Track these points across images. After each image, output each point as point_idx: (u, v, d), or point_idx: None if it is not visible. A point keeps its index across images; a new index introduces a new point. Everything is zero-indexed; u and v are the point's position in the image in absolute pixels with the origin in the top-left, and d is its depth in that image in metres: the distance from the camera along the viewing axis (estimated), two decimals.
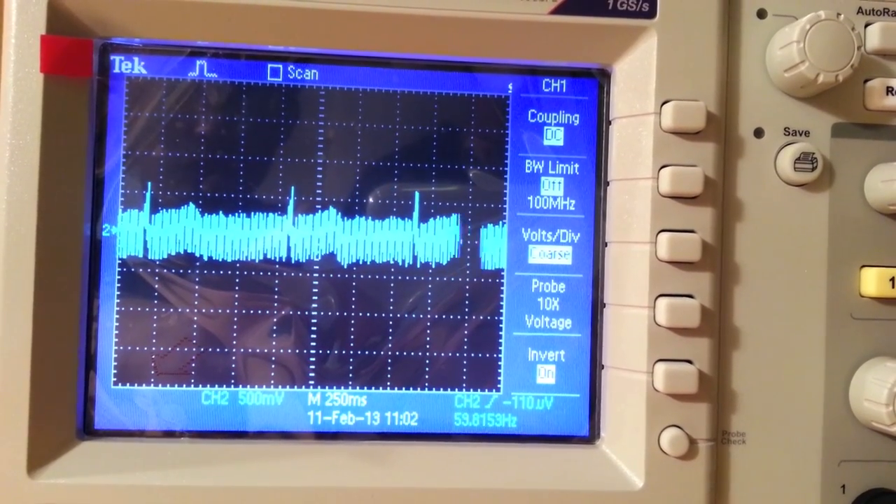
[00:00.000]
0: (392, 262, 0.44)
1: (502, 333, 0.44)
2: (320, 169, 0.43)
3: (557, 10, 0.41)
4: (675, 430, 0.41)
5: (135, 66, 0.43)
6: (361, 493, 0.41)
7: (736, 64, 0.42)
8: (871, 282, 0.42)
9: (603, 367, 0.44)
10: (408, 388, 0.44)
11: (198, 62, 0.43)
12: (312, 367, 0.43)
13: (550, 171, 0.44)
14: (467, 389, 0.44)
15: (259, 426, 0.43)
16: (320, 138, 0.43)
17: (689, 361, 0.41)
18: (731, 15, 0.42)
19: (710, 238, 0.41)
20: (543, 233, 0.44)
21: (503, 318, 0.44)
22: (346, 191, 0.43)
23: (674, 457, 0.41)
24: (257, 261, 0.43)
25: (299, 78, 0.43)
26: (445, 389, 0.44)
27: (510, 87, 0.44)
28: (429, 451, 0.43)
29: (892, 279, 0.42)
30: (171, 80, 0.43)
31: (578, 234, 0.44)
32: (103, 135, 0.42)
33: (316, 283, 0.43)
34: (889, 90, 0.42)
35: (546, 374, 0.44)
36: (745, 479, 0.42)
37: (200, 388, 0.43)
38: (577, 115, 0.44)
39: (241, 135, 0.43)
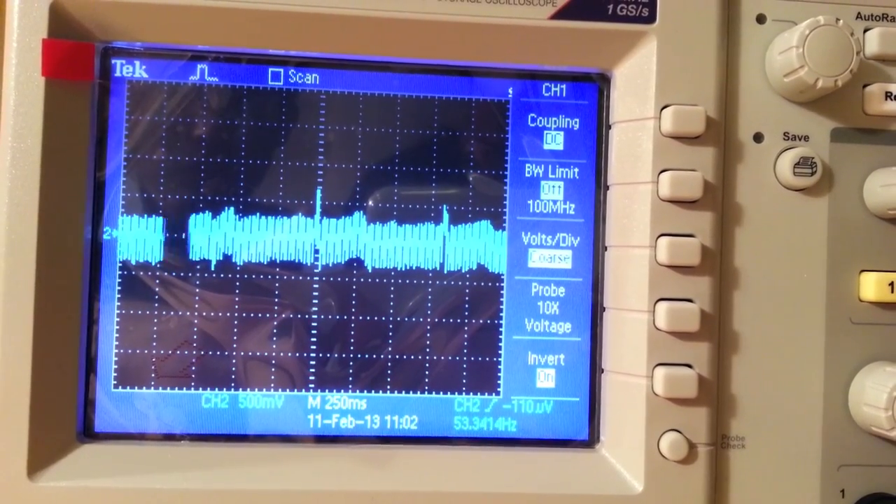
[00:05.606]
0: (392, 266, 0.44)
1: (502, 337, 0.44)
2: (321, 173, 0.43)
3: (557, 15, 0.41)
4: (675, 435, 0.41)
5: (136, 70, 0.43)
6: (361, 496, 0.41)
7: (735, 69, 0.42)
8: (871, 286, 0.42)
9: (602, 370, 0.44)
10: (408, 392, 0.44)
11: (199, 66, 0.43)
12: (312, 370, 0.43)
13: (550, 175, 0.44)
14: (467, 393, 0.44)
15: (259, 429, 0.43)
16: (321, 142, 0.44)
17: (689, 366, 0.41)
18: (731, 20, 0.42)
19: (710, 242, 0.41)
20: (543, 237, 0.44)
21: (503, 322, 0.44)
22: (347, 195, 0.44)
23: (673, 461, 0.41)
24: (258, 264, 0.43)
25: (300, 82, 0.44)
26: (445, 393, 0.44)
27: (510, 91, 0.44)
28: (428, 454, 0.43)
29: (892, 284, 0.42)
30: (172, 84, 0.43)
31: (578, 238, 0.44)
32: (104, 138, 0.42)
33: (316, 286, 0.43)
34: (888, 95, 0.42)
35: (546, 378, 0.44)
36: (745, 484, 0.42)
37: (201, 391, 0.43)
38: (577, 120, 0.45)
39: (242, 139, 0.43)
